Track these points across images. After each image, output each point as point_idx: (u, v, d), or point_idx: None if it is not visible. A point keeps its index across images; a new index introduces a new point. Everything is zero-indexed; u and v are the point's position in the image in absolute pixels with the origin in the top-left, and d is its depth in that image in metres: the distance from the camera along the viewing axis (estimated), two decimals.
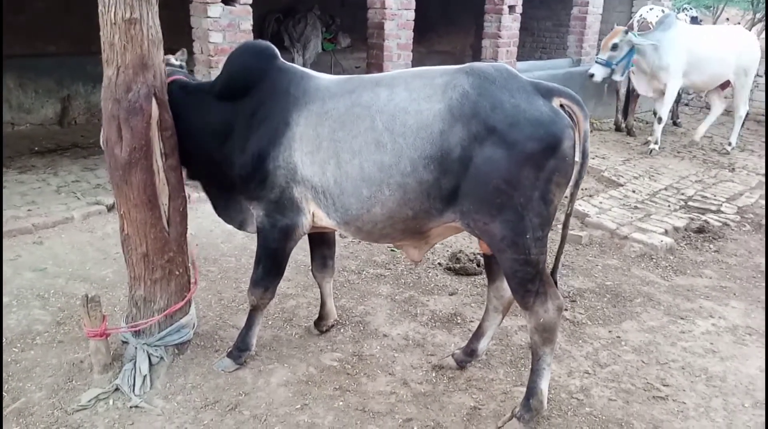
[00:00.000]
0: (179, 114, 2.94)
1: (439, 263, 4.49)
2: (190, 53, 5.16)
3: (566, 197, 2.69)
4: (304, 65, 6.36)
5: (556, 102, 2.55)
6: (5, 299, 3.66)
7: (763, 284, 4.40)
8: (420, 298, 4.00)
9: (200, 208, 3.26)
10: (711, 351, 3.53)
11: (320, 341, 3.45)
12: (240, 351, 3.16)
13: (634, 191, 6.30)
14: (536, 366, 2.75)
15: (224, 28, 5.27)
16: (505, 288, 2.97)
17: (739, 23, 12.76)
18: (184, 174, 3.09)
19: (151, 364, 3.02)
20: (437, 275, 4.34)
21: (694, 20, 9.50)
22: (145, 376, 2.96)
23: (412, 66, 6.53)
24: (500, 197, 2.47)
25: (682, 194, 6.28)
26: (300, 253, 4.19)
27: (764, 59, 9.42)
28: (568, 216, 2.77)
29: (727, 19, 14.64)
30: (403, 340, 3.51)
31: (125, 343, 3.09)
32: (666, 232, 5.15)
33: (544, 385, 2.75)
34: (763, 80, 9.92)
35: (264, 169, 2.80)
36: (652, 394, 3.11)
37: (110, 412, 2.82)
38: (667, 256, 4.81)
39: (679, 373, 3.30)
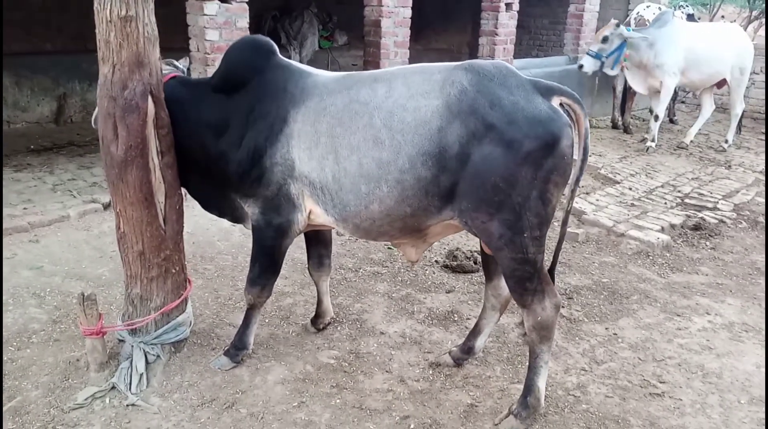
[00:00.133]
0: (180, 110, 2.92)
1: (436, 261, 4.49)
2: (187, 51, 5.15)
3: (565, 195, 2.68)
4: (300, 63, 6.35)
5: (555, 101, 2.54)
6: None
7: (760, 281, 4.42)
8: (417, 295, 4.00)
9: (197, 206, 3.26)
10: (707, 348, 3.54)
11: (317, 339, 3.45)
12: (237, 349, 3.16)
13: (630, 189, 6.31)
14: (533, 363, 2.76)
15: (220, 25, 5.25)
16: (502, 286, 2.98)
17: (734, 21, 12.78)
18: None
19: (147, 362, 3.01)
20: (434, 273, 4.34)
21: (691, 17, 9.49)
22: (141, 375, 2.95)
23: (409, 63, 6.52)
24: (498, 195, 2.47)
25: (679, 191, 6.29)
26: (297, 250, 4.19)
27: (764, 57, 9.44)
28: (567, 213, 2.76)
29: (723, 16, 14.67)
30: (400, 338, 3.51)
31: (121, 341, 3.09)
32: (662, 230, 5.16)
33: (541, 382, 2.76)
34: (758, 77, 9.93)
35: (261, 165, 2.79)
36: (648, 391, 3.12)
37: (107, 410, 2.81)
38: (664, 253, 4.82)
39: (676, 370, 3.31)
